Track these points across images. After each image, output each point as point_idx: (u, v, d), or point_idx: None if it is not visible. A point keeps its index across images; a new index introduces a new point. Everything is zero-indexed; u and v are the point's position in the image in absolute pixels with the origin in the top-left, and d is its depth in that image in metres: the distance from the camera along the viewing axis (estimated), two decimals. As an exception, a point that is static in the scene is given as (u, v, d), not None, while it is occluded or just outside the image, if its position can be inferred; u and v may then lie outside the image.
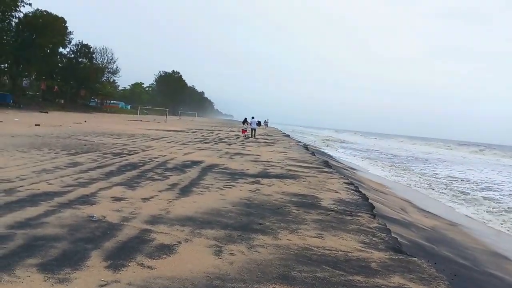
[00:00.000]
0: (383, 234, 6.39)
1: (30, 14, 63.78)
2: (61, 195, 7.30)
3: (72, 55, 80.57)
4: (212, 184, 9.70)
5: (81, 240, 4.94)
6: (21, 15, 62.78)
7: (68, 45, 76.20)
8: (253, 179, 10.99)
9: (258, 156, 17.94)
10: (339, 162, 23.56)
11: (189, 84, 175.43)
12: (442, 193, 16.18)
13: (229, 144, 24.63)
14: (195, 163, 13.68)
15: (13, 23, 62.70)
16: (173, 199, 7.68)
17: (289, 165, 15.36)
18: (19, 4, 59.94)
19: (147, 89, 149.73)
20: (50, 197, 7.03)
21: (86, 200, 7.07)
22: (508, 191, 18.69)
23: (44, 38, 63.55)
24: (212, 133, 38.67)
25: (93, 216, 5.98)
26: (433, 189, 17.15)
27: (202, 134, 35.16)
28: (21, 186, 7.77)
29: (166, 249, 4.85)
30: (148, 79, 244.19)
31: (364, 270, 4.68)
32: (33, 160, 11.35)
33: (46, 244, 4.70)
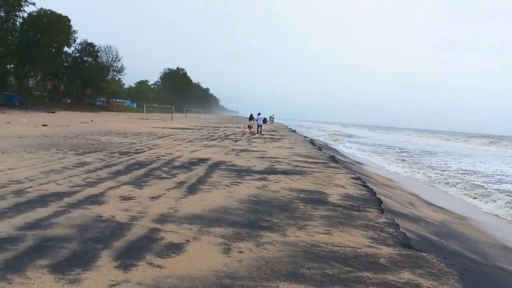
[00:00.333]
0: (392, 229, 6.37)
1: (34, 14, 64.01)
2: (70, 195, 7.35)
3: (77, 54, 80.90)
4: (219, 182, 9.72)
5: (91, 240, 4.98)
6: (25, 14, 63.08)
7: (73, 44, 76.55)
8: (260, 176, 11.00)
9: (265, 152, 17.94)
10: (346, 157, 23.51)
11: (194, 81, 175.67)
12: (457, 187, 15.86)
13: (235, 141, 24.65)
14: (202, 160, 13.71)
15: (18, 23, 62.99)
16: (180, 198, 7.70)
17: (295, 160, 15.35)
18: (22, 3, 60.19)
19: (152, 86, 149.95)
20: (59, 198, 7.08)
21: (94, 200, 7.11)
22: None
23: (49, 38, 63.79)
24: (218, 130, 38.71)
25: (102, 216, 6.02)
26: (447, 183, 16.89)
27: (208, 131, 35.21)
28: (30, 187, 7.84)
29: (175, 248, 4.88)
30: (153, 77, 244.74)
31: (373, 266, 4.67)
32: (41, 160, 11.43)
33: (56, 244, 4.74)
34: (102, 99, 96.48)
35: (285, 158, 15.94)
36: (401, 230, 6.46)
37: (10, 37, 61.46)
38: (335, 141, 44.39)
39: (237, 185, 9.47)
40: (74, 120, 36.58)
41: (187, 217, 6.32)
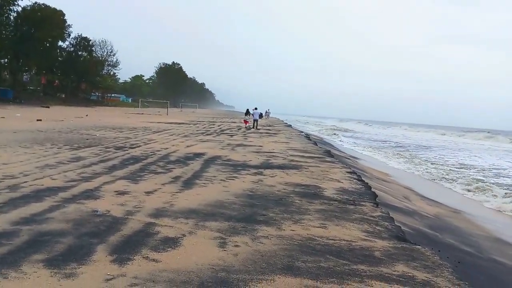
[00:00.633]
0: (386, 223, 6.41)
1: (29, 8, 63.48)
2: (65, 190, 7.33)
3: (72, 49, 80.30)
4: (215, 176, 9.73)
5: (86, 234, 4.97)
6: (20, 8, 62.51)
7: (67, 38, 75.91)
8: (255, 170, 11.01)
9: (260, 147, 17.95)
10: (341, 152, 23.58)
11: (190, 75, 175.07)
12: (456, 182, 15.74)
13: (231, 136, 24.64)
14: (198, 155, 13.70)
15: (12, 17, 62.44)
16: (176, 192, 7.71)
17: (291, 155, 15.37)
18: (17, -3, 59.68)
19: (147, 81, 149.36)
20: (54, 192, 7.06)
21: (90, 194, 7.10)
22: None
23: (43, 32, 63.28)
24: (214, 124, 38.66)
25: (98, 211, 6.02)
26: (445, 177, 16.85)
27: (204, 126, 35.16)
28: (25, 182, 7.81)
29: (171, 242, 4.88)
30: (148, 72, 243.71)
31: (368, 259, 4.70)
32: (36, 155, 11.38)
33: (51, 239, 4.73)
34: (97, 93, 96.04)
35: (280, 153, 15.96)
36: (396, 223, 6.50)
37: (4, 31, 60.93)
38: (331, 135, 44.46)
39: (233, 179, 9.48)
40: (69, 115, 36.42)
41: (182, 211, 6.33)
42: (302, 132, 37.28)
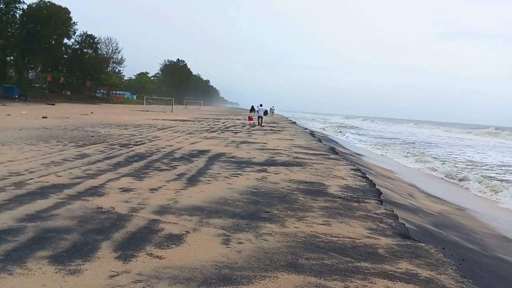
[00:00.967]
0: (391, 220, 6.40)
1: (34, 6, 63.77)
2: (70, 187, 7.37)
3: (77, 46, 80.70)
4: (219, 173, 9.74)
5: (91, 231, 5.00)
6: (25, 6, 62.85)
7: (73, 36, 76.41)
8: (259, 168, 11.02)
9: (265, 144, 17.95)
10: (346, 149, 23.53)
11: (194, 72, 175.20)
12: (466, 179, 15.35)
13: (236, 133, 24.65)
14: (202, 152, 13.73)
15: (17, 15, 62.77)
16: (180, 189, 7.73)
17: (295, 152, 15.36)
18: (22, -5, 59.99)
19: (152, 78, 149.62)
20: (59, 189, 7.11)
21: (95, 191, 7.14)
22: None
23: (49, 29, 63.65)
24: (218, 121, 38.70)
25: (102, 208, 6.05)
26: (455, 175, 16.39)
27: (208, 123, 35.20)
28: (30, 179, 7.86)
29: (175, 239, 4.90)
30: (153, 69, 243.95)
31: (371, 257, 4.70)
32: (42, 152, 11.45)
33: (56, 236, 4.77)
34: (102, 91, 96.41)
35: (285, 150, 15.96)
36: (400, 221, 6.49)
37: (10, 29, 61.29)
38: (337, 133, 44.33)
39: (237, 176, 9.49)
40: (74, 112, 36.57)
41: (187, 208, 6.35)
42: (306, 129, 37.23)
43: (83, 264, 4.02)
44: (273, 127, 34.52)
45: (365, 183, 9.60)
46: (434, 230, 7.07)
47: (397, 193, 10.33)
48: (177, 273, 3.96)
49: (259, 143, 18.51)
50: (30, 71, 70.19)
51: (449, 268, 4.54)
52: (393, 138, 43.00)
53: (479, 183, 14.50)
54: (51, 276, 3.73)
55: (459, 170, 18.34)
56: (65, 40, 75.68)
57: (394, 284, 4.00)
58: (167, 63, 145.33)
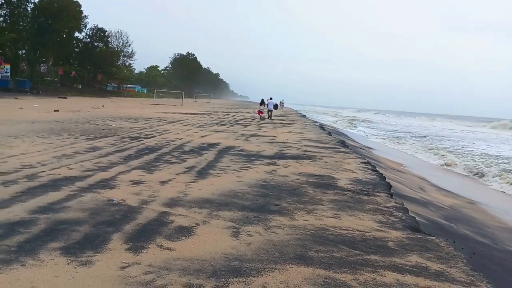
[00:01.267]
0: (401, 213, 6.37)
1: (45, -1, 64.10)
2: (81, 179, 7.45)
3: (88, 40, 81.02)
4: (228, 166, 9.77)
5: (102, 223, 5.06)
6: (37, 0, 63.18)
7: (84, 30, 76.63)
8: (269, 161, 11.02)
9: (274, 137, 17.94)
10: (356, 142, 23.42)
11: (204, 66, 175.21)
12: (484, 173, 14.91)
13: (245, 126, 24.66)
14: (212, 145, 13.76)
15: (29, 9, 63.20)
16: (190, 182, 7.77)
17: (305, 145, 15.33)
18: (34, -11, 60.35)
19: (162, 72, 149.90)
20: (71, 182, 7.18)
21: (106, 184, 7.20)
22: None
23: (60, 23, 63.99)
24: (228, 115, 38.72)
25: (113, 200, 6.10)
26: (472, 169, 15.96)
27: (218, 116, 35.24)
28: (42, 171, 7.95)
29: (185, 231, 4.94)
30: (163, 62, 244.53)
31: (381, 250, 4.69)
32: (53, 145, 11.57)
33: (68, 228, 4.83)
34: (113, 84, 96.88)
35: (294, 143, 15.93)
36: (410, 214, 6.46)
37: (21, 23, 61.76)
38: (349, 126, 44.06)
39: (246, 169, 9.50)
40: (86, 106, 36.83)
41: (196, 201, 6.38)
42: (316, 122, 37.09)
43: (95, 256, 4.07)
44: (283, 120, 34.45)
45: (375, 176, 9.55)
46: (445, 224, 7.02)
47: (408, 186, 10.27)
48: (187, 264, 3.99)
49: (268, 136, 18.49)
50: (41, 64, 70.75)
51: (459, 262, 4.52)
52: (405, 132, 42.67)
53: (498, 177, 14.07)
54: (63, 267, 3.79)
55: (476, 164, 17.85)
56: (76, 34, 76.08)
57: (404, 277, 3.99)
58: (177, 57, 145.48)
